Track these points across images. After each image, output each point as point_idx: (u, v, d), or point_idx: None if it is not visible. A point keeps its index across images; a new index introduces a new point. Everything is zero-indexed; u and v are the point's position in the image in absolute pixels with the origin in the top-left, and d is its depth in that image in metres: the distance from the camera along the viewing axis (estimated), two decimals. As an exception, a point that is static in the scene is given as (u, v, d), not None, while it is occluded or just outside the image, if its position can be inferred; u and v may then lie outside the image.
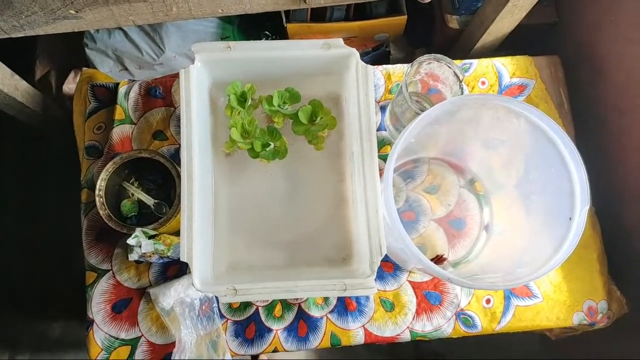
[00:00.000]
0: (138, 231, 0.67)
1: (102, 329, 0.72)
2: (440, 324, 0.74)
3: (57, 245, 1.16)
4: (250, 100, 0.68)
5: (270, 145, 0.67)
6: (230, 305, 0.73)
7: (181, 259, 0.59)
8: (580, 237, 0.57)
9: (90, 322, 0.72)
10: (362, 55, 1.04)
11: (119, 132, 0.78)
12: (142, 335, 0.72)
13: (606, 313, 0.76)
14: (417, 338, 0.73)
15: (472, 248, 0.75)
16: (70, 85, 1.04)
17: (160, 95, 0.79)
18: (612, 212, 0.81)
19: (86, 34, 1.01)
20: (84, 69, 0.90)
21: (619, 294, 0.77)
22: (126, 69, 1.01)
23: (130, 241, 0.67)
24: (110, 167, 0.70)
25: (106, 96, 0.80)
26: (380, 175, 0.63)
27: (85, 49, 1.01)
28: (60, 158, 1.02)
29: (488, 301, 0.75)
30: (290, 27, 0.93)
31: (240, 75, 0.69)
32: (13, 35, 0.65)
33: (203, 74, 0.69)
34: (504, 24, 0.82)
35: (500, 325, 0.74)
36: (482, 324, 0.74)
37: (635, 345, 0.82)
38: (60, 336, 1.18)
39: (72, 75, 1.05)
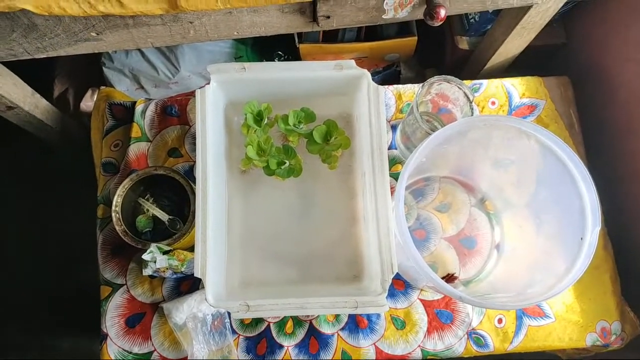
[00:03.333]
0: (153, 247, 0.68)
1: (116, 343, 0.72)
2: (451, 343, 0.73)
3: (68, 258, 1.17)
4: (266, 119, 0.69)
5: (285, 163, 0.68)
6: (241, 321, 0.74)
7: (195, 275, 0.60)
8: (591, 257, 0.57)
9: (104, 336, 0.73)
10: (373, 75, 1.06)
11: (135, 149, 0.79)
12: (155, 349, 0.72)
13: (619, 334, 0.75)
14: (429, 357, 0.73)
15: (483, 267, 0.76)
16: (87, 103, 1.07)
17: (176, 113, 0.81)
18: (623, 232, 0.81)
19: (104, 53, 1.04)
20: (102, 87, 0.92)
21: (632, 315, 0.76)
22: (142, 87, 1.03)
23: (146, 256, 0.68)
24: (126, 183, 0.71)
25: (123, 114, 0.82)
26: (392, 193, 0.64)
27: (103, 67, 1.04)
28: (74, 172, 1.04)
29: (500, 321, 0.74)
30: (303, 47, 0.95)
31: (255, 95, 0.70)
32: (36, 56, 0.68)
33: (218, 94, 0.70)
34: (513, 45, 0.83)
35: (513, 345, 0.74)
36: (494, 344, 0.74)
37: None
38: (69, 349, 1.18)
39: (89, 93, 1.08)
